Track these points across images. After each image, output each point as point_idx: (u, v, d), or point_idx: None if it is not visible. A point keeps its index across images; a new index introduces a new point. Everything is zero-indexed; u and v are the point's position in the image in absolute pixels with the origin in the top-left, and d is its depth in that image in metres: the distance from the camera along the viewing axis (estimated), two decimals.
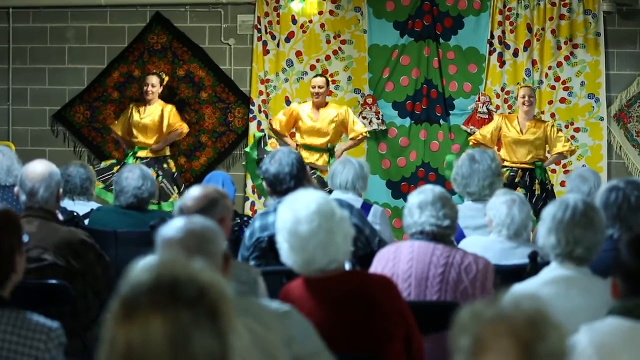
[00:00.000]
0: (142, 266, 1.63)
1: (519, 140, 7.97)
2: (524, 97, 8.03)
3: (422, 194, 3.73)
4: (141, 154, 8.20)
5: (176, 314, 1.57)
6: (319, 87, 8.08)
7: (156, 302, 1.57)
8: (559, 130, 8.34)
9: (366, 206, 5.23)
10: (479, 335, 1.68)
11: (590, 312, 2.79)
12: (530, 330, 1.66)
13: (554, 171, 8.96)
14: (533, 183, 7.97)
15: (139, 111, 8.24)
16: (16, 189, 4.29)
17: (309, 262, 2.96)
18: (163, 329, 1.55)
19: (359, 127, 8.18)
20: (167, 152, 8.36)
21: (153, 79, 8.26)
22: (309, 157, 7.87)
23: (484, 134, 8.20)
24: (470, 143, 8.17)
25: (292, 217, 2.96)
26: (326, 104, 8.20)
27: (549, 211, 3.18)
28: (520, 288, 3.12)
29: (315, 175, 7.63)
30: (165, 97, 8.70)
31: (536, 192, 7.92)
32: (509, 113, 8.61)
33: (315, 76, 8.37)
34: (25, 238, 2.88)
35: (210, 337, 1.58)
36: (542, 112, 8.86)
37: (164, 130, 8.24)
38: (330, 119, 8.08)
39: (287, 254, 2.99)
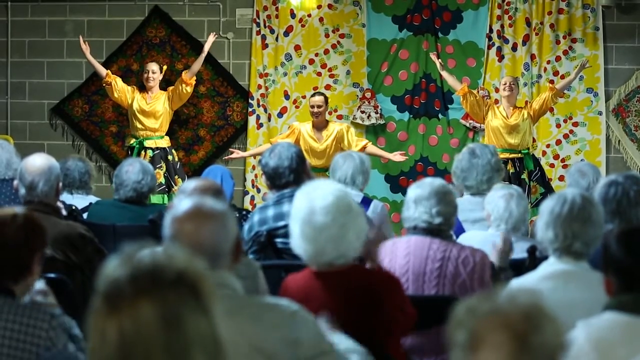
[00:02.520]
0: (115, 262, 1.62)
1: (506, 125, 7.92)
2: (505, 83, 8.05)
3: (420, 188, 3.72)
4: (149, 144, 8.19)
5: (162, 295, 1.56)
6: (318, 106, 7.81)
7: (140, 288, 1.56)
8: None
9: (366, 201, 5.21)
10: (475, 329, 1.68)
11: (589, 306, 2.79)
12: (525, 324, 1.67)
13: (552, 165, 8.97)
14: (522, 172, 7.95)
15: (144, 98, 8.21)
16: (15, 182, 4.29)
17: (318, 253, 2.94)
18: (154, 312, 1.55)
19: (359, 140, 7.97)
20: (170, 143, 8.34)
21: (153, 66, 8.27)
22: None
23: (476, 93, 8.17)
24: (465, 90, 8.07)
25: (308, 206, 2.93)
26: (326, 122, 7.93)
27: (547, 205, 3.18)
28: (518, 283, 3.12)
29: None
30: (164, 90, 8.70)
31: (526, 181, 7.90)
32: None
33: (314, 95, 8.08)
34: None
35: (200, 315, 1.58)
36: None
37: (177, 94, 8.20)
38: (332, 139, 7.82)
39: (297, 242, 2.96)
